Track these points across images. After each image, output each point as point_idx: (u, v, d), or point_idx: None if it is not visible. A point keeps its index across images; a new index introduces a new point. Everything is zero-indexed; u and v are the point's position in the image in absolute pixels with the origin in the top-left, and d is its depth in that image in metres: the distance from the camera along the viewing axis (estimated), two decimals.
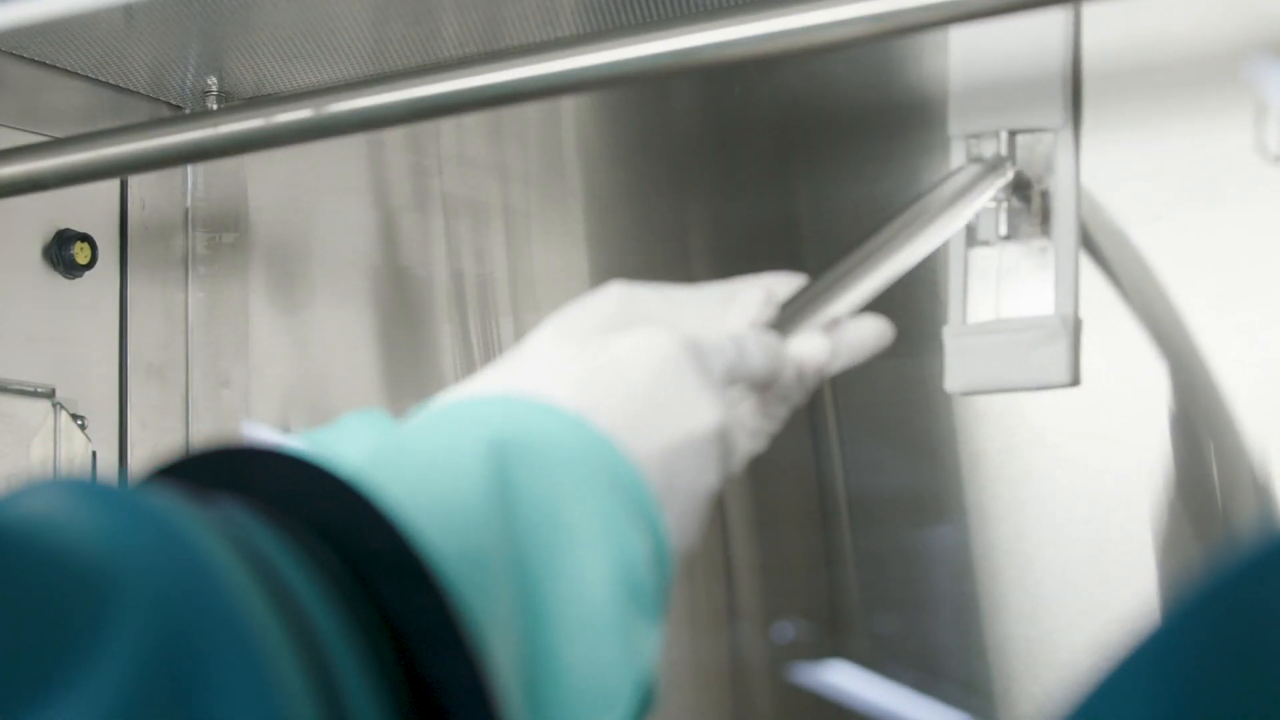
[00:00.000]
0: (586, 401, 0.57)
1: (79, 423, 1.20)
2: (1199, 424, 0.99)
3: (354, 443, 0.57)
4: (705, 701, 1.13)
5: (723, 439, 0.60)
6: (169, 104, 1.28)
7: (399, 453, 0.55)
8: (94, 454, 1.21)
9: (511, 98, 0.97)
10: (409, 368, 1.25)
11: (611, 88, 1.15)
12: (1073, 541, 1.01)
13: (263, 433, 1.27)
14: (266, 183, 1.30)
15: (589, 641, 0.51)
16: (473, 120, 1.23)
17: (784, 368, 0.68)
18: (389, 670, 0.40)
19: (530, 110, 1.21)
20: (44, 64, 1.19)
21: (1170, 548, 0.97)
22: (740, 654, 1.12)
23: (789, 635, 1.08)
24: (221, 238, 1.30)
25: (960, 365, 1.02)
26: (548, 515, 0.53)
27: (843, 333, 0.74)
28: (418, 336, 1.24)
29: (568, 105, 1.20)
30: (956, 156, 1.03)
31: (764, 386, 0.68)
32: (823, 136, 1.13)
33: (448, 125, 1.24)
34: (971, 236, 1.03)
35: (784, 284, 0.74)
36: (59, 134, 1.18)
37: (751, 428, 0.69)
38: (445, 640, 0.41)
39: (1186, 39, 0.99)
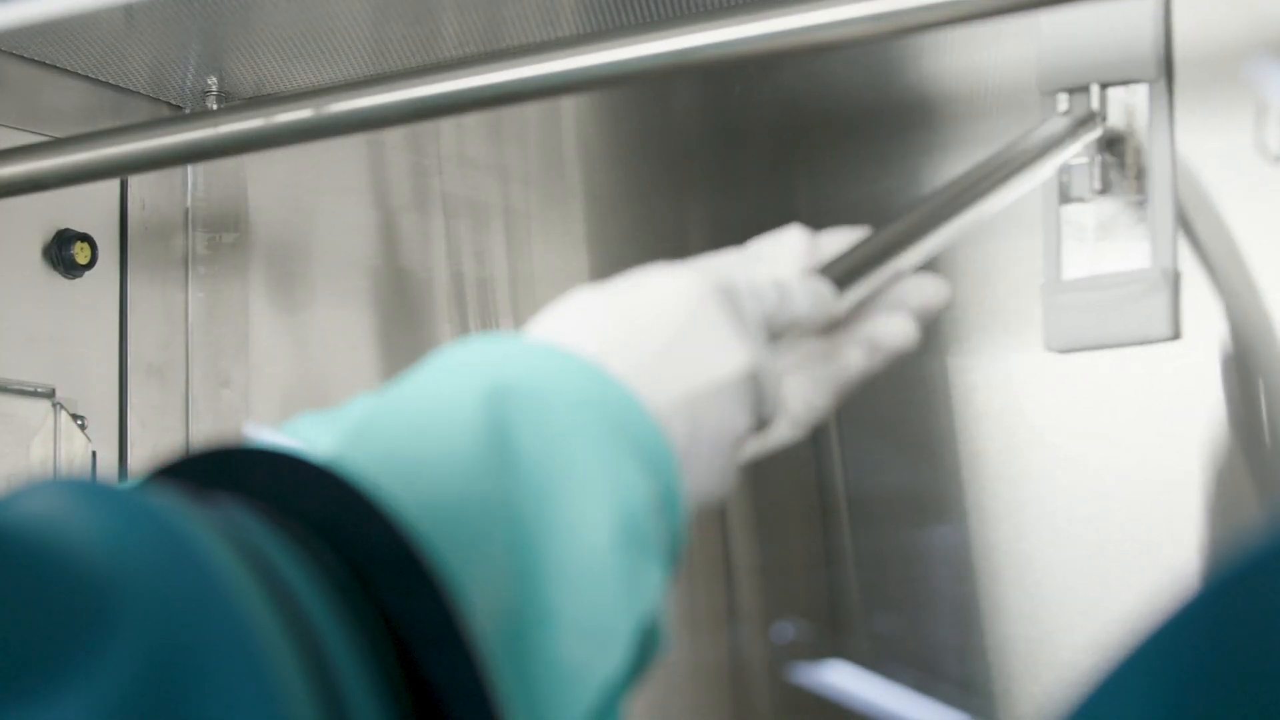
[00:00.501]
0: (604, 344, 0.57)
1: (79, 423, 1.20)
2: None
3: (356, 406, 0.58)
4: (705, 701, 1.13)
5: (753, 382, 0.59)
6: (169, 104, 1.28)
7: (399, 398, 0.55)
8: (94, 454, 1.21)
9: (511, 98, 0.97)
10: (409, 368, 1.25)
11: (611, 88, 1.15)
12: (1073, 541, 1.01)
13: (267, 433, 1.27)
14: (266, 183, 1.30)
15: (583, 585, 0.51)
16: (473, 120, 1.23)
17: (833, 315, 0.66)
18: (389, 670, 0.40)
19: (530, 110, 1.21)
20: (44, 64, 1.19)
21: (1172, 543, 0.97)
22: (740, 654, 1.12)
23: (789, 635, 1.08)
24: (221, 238, 1.30)
25: (1059, 323, 1.00)
26: (544, 460, 0.52)
27: (902, 292, 0.72)
28: (418, 336, 1.24)
29: (568, 105, 1.20)
30: (1048, 112, 1.00)
31: (813, 332, 0.66)
32: (823, 136, 1.13)
33: (448, 125, 1.24)
34: (1064, 193, 1.01)
35: (844, 237, 0.71)
36: (59, 134, 1.18)
37: (802, 393, 0.68)
38: (445, 640, 0.41)
39: (1186, 39, 0.99)
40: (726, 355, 0.58)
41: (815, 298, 0.64)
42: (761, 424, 0.61)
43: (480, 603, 0.47)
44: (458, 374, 0.55)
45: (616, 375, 0.56)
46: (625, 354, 0.57)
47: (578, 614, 0.50)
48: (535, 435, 0.53)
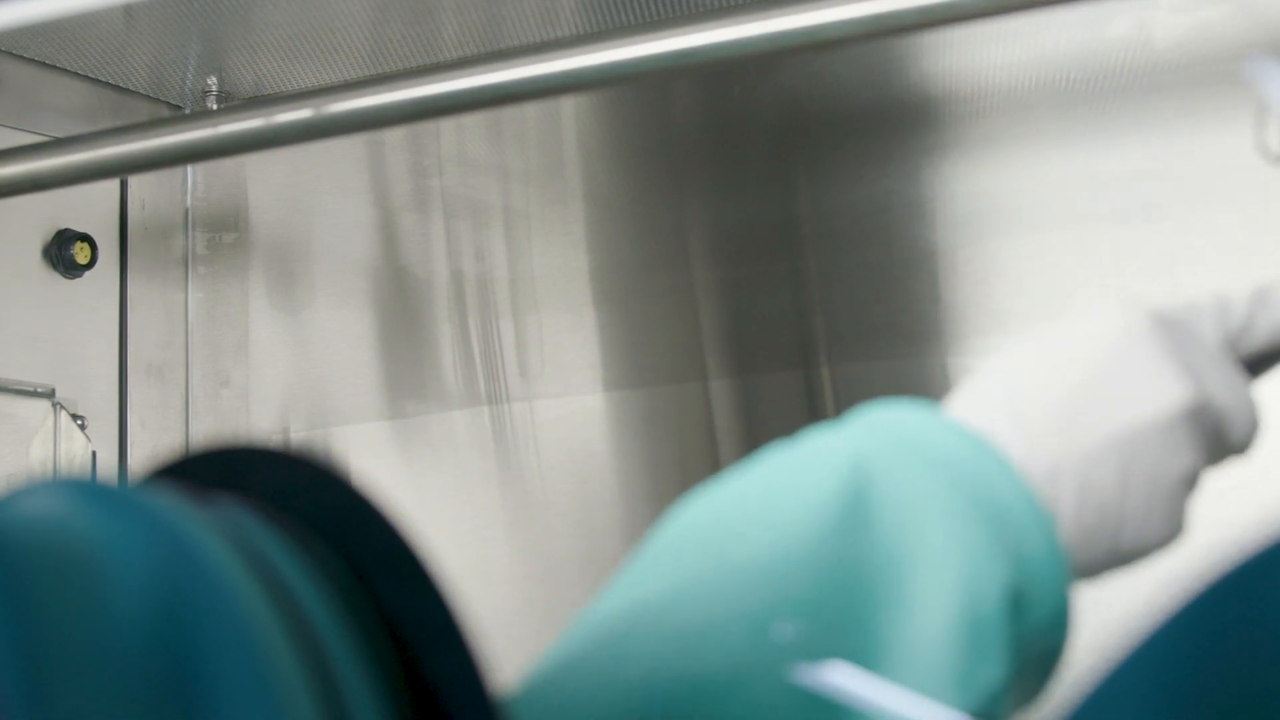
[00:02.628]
0: (1015, 398, 0.53)
1: (79, 423, 1.20)
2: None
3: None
4: None
5: (1198, 416, 0.54)
6: (169, 104, 1.28)
7: (787, 451, 0.53)
8: (94, 454, 1.21)
9: (511, 98, 0.97)
10: (409, 368, 1.25)
11: (611, 88, 1.15)
12: None
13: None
14: (266, 183, 1.30)
15: (910, 674, 0.47)
16: (473, 120, 1.23)
17: None
18: (389, 670, 0.40)
19: (530, 110, 1.21)
20: (44, 64, 1.19)
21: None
22: None
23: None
24: (221, 238, 1.30)
25: None
26: (894, 536, 0.49)
27: None
28: (418, 336, 1.24)
29: (568, 105, 1.20)
30: None
31: None
32: (823, 136, 1.13)
33: (448, 125, 1.24)
34: None
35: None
36: (59, 134, 1.18)
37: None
38: (445, 640, 0.41)
39: (1187, 39, 0.99)
40: (1157, 389, 0.53)
41: None
42: (1232, 452, 0.56)
43: (817, 654, 0.45)
44: (841, 436, 0.52)
45: (999, 441, 0.51)
46: (1040, 407, 0.52)
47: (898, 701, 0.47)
48: (892, 507, 0.49)
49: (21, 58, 1.17)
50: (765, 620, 0.48)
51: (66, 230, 1.21)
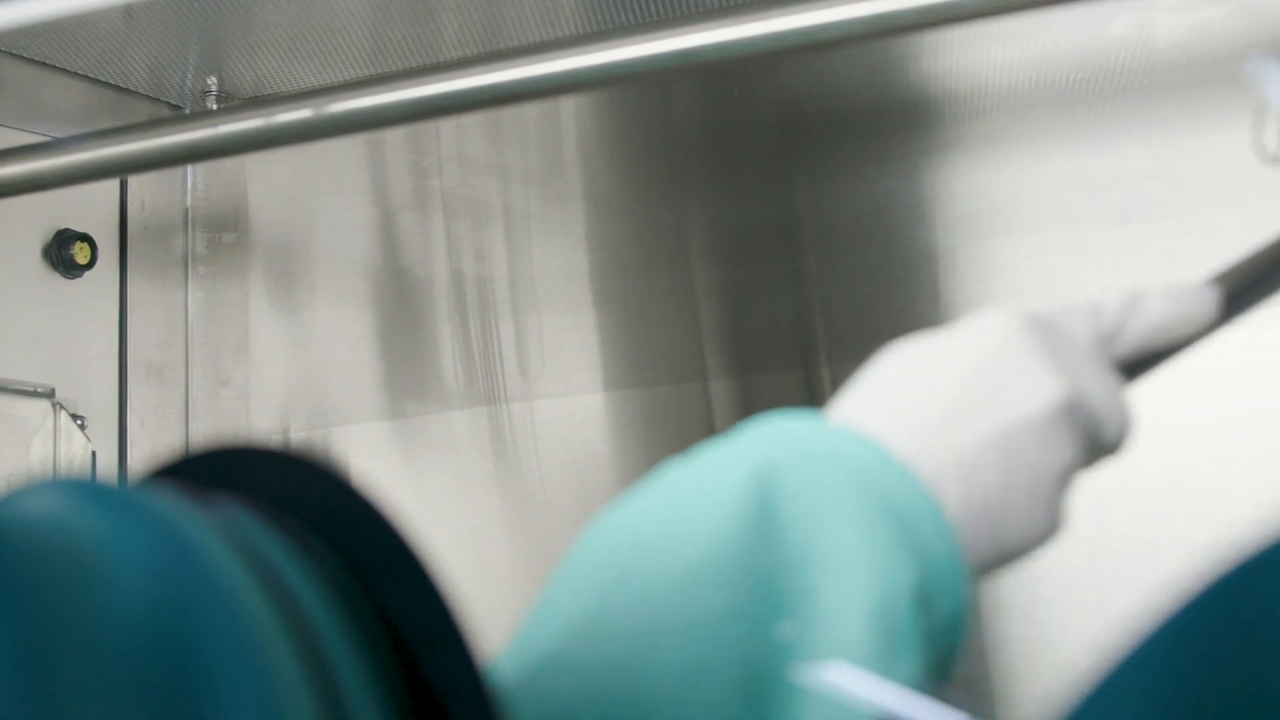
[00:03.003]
0: (899, 402, 0.54)
1: (79, 423, 1.20)
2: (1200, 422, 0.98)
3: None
4: None
5: (1072, 412, 0.55)
6: (169, 104, 1.28)
7: (685, 468, 0.54)
8: (94, 454, 1.21)
9: (511, 98, 0.97)
10: (409, 368, 1.25)
11: (611, 88, 1.15)
12: (1073, 541, 1.01)
13: None
14: (266, 183, 1.30)
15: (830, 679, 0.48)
16: (473, 120, 1.23)
17: (1207, 323, 0.61)
18: (389, 670, 0.40)
19: (530, 110, 1.21)
20: (44, 64, 1.19)
21: (1172, 543, 0.97)
22: None
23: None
24: (221, 238, 1.30)
25: None
26: (804, 539, 0.50)
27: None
28: (418, 336, 1.24)
29: (568, 105, 1.20)
30: None
31: (1186, 343, 0.61)
32: (823, 136, 1.13)
33: (448, 125, 1.24)
34: None
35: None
36: (59, 134, 1.18)
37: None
38: (445, 640, 0.41)
39: (1187, 39, 0.99)
40: (1034, 388, 0.55)
41: (1173, 300, 0.60)
42: (1105, 451, 0.58)
43: (733, 669, 0.46)
44: (740, 447, 0.53)
45: (892, 446, 0.53)
46: (921, 411, 0.54)
47: (819, 703, 0.48)
48: (797, 515, 0.50)
49: (21, 58, 1.17)
50: (693, 633, 0.49)
51: (66, 230, 1.21)
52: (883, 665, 0.49)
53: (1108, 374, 0.58)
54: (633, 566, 0.51)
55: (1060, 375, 0.55)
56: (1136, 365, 0.60)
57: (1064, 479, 0.56)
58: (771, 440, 0.53)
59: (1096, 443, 0.58)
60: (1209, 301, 0.62)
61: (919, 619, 0.50)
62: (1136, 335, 0.60)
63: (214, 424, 1.29)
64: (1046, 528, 0.56)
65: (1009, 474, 0.54)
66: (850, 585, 0.49)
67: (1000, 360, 0.55)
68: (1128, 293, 0.60)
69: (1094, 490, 1.01)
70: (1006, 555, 0.55)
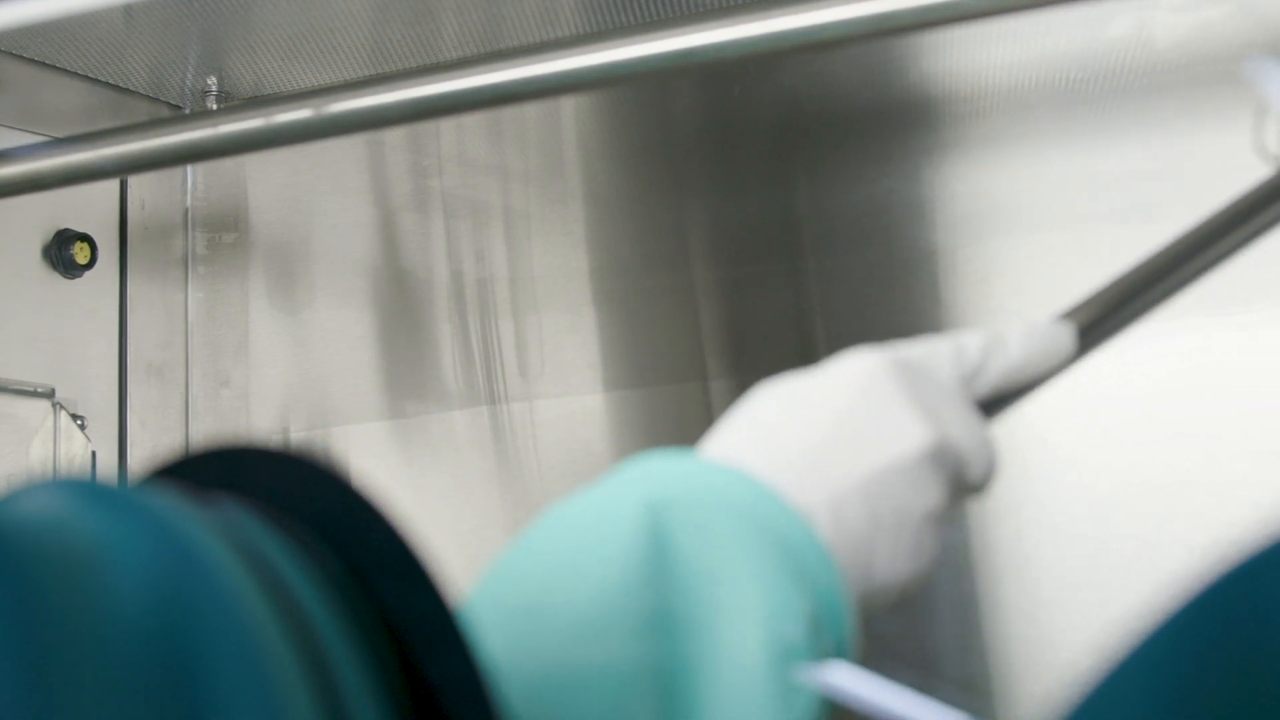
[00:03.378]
0: (773, 442, 0.55)
1: (79, 423, 1.20)
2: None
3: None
4: None
5: (939, 455, 0.56)
6: (169, 104, 1.28)
7: (569, 506, 0.54)
8: (94, 454, 1.21)
9: (511, 98, 0.97)
10: (409, 368, 1.25)
11: (611, 88, 1.15)
12: (1073, 541, 1.01)
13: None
14: (266, 183, 1.30)
15: (733, 709, 0.49)
16: (473, 120, 1.23)
17: (1066, 359, 0.63)
18: (389, 670, 0.40)
19: (530, 110, 1.21)
20: (44, 64, 1.19)
21: (1172, 543, 0.97)
22: None
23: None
24: (221, 238, 1.30)
25: None
26: (699, 577, 0.51)
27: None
28: (418, 336, 1.24)
29: (568, 105, 1.20)
30: None
31: (1046, 380, 0.63)
32: (823, 136, 1.13)
33: (448, 125, 1.24)
34: None
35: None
36: (59, 134, 1.18)
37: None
38: (445, 640, 0.41)
39: (1187, 39, 0.99)
40: (900, 431, 0.56)
41: (1031, 338, 0.62)
42: (971, 490, 0.59)
43: (644, 705, 0.47)
44: (626, 483, 0.54)
45: (771, 483, 0.54)
46: (792, 451, 0.55)
47: None
48: (691, 551, 0.51)
49: (21, 58, 1.17)
50: (601, 675, 0.49)
51: (66, 230, 1.21)
52: (784, 693, 0.50)
53: (972, 414, 0.59)
54: (535, 611, 0.52)
55: (927, 420, 0.56)
56: (996, 403, 0.62)
57: (931, 520, 0.57)
58: (657, 479, 0.54)
59: (962, 483, 0.59)
60: (1065, 338, 0.63)
61: (813, 649, 0.51)
62: (997, 374, 0.61)
63: (214, 424, 1.29)
64: (914, 568, 0.56)
65: (876, 516, 0.55)
66: (747, 617, 0.50)
67: (868, 403, 0.56)
68: (988, 332, 0.61)
69: (1094, 490, 1.01)
70: (875, 594, 0.56)
